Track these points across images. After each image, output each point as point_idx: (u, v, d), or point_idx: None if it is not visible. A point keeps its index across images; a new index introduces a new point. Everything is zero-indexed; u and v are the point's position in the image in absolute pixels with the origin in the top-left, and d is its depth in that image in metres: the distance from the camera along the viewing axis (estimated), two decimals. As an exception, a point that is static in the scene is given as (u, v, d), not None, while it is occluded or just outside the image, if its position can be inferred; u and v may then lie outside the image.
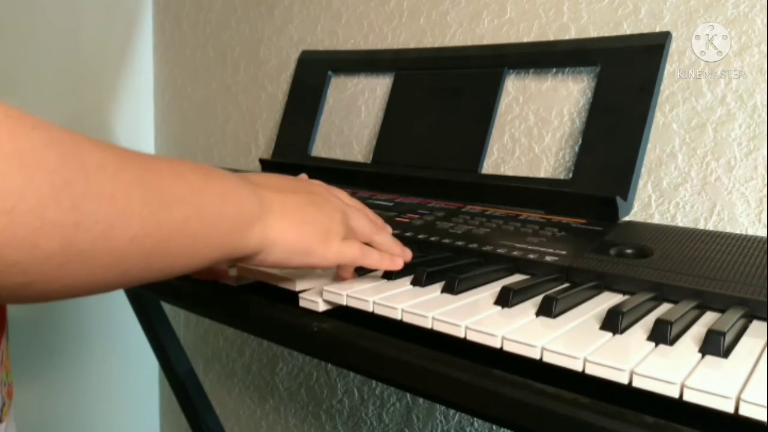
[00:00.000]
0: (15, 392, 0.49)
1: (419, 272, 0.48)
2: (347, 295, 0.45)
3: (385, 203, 0.73)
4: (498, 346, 0.38)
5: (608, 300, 0.46)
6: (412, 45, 0.91)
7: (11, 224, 0.26)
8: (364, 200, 0.75)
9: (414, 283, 0.48)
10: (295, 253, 0.43)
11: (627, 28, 0.72)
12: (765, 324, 0.41)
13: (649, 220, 0.70)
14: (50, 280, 0.29)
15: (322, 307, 0.46)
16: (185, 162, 0.38)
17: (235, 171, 1.11)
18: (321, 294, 0.46)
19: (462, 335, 0.39)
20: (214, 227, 0.37)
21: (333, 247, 0.44)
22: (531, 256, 0.53)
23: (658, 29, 0.69)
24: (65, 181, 0.28)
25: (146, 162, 0.34)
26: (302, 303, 0.47)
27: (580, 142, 0.68)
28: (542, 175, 0.76)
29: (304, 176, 0.55)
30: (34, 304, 0.30)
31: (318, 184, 0.50)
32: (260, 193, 0.42)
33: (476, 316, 0.41)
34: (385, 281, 0.48)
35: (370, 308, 0.44)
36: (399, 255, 0.50)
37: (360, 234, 0.48)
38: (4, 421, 0.45)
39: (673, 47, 0.67)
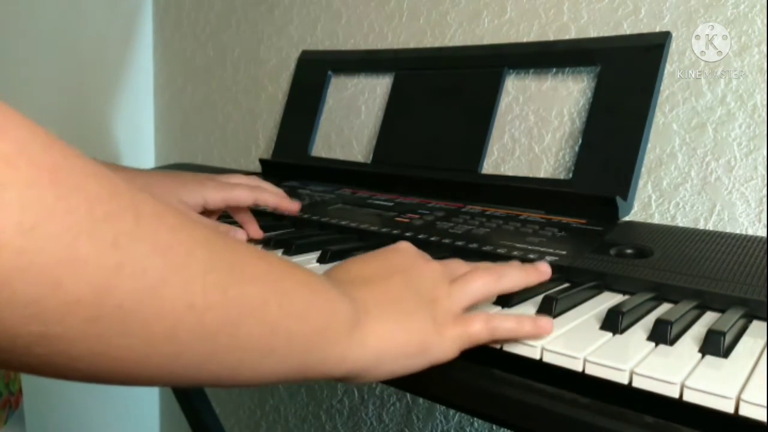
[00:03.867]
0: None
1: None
2: None
3: (385, 203, 0.73)
4: (498, 346, 0.38)
5: (608, 300, 0.46)
6: (412, 45, 0.91)
7: (30, 248, 0.20)
8: (364, 200, 0.75)
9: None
10: (408, 356, 0.34)
11: (627, 28, 0.72)
12: (765, 324, 0.41)
13: (649, 220, 0.70)
14: (75, 339, 0.22)
15: None
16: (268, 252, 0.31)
17: (235, 171, 1.11)
18: None
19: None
20: (299, 323, 0.29)
21: (449, 333, 0.36)
22: (531, 256, 0.53)
23: (658, 29, 0.69)
24: (107, 214, 0.22)
25: (216, 231, 0.28)
26: None
27: (580, 142, 0.68)
28: (542, 175, 0.76)
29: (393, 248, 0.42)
30: (51, 378, 0.24)
31: (404, 248, 0.41)
32: (353, 293, 0.34)
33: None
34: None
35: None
36: (541, 278, 0.43)
37: (478, 290, 0.39)
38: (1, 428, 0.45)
39: (673, 47, 0.67)
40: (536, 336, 0.37)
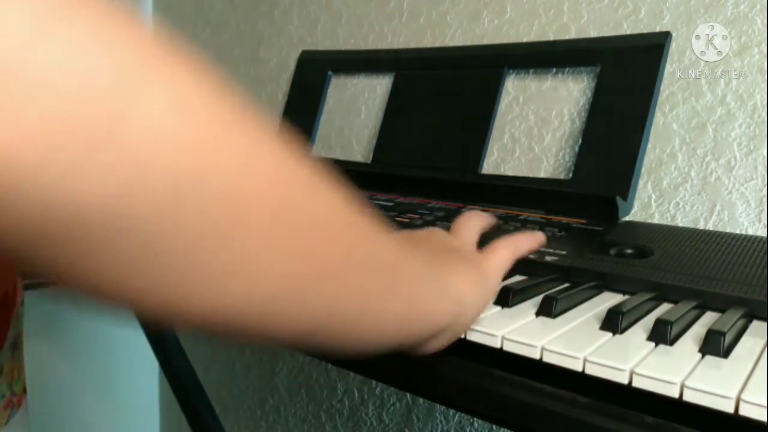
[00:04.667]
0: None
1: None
2: None
3: (385, 203, 0.73)
4: (498, 346, 0.38)
5: (608, 300, 0.46)
6: (412, 45, 0.91)
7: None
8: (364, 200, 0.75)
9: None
10: (481, 296, 0.38)
11: (627, 28, 0.72)
12: (765, 324, 0.41)
13: (649, 220, 0.70)
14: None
15: None
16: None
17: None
18: None
19: (462, 335, 0.39)
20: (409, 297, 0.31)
21: (492, 269, 0.41)
22: (531, 256, 0.53)
23: (658, 29, 0.69)
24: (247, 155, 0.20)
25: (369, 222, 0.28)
26: None
27: (580, 142, 0.68)
28: (542, 175, 0.76)
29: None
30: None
31: (437, 231, 0.46)
32: (438, 261, 0.37)
33: (476, 316, 0.41)
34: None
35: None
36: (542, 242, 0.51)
37: (506, 257, 0.44)
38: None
39: (673, 47, 0.67)
40: (541, 245, 0.50)
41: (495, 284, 0.41)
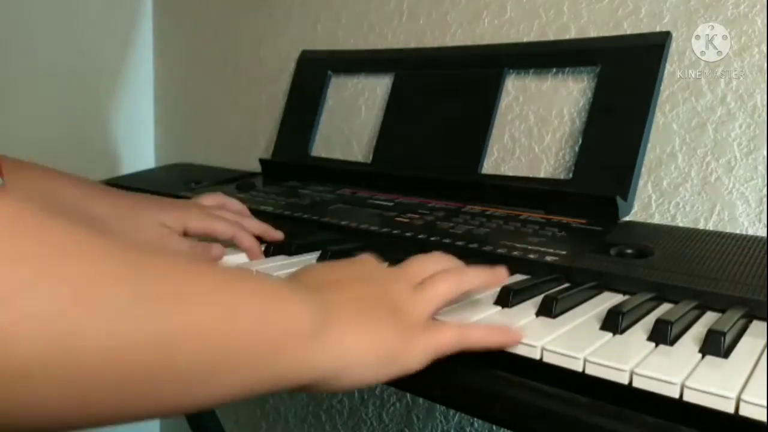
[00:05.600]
0: None
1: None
2: None
3: (385, 203, 0.73)
4: (498, 346, 0.38)
5: (608, 300, 0.46)
6: (412, 45, 0.91)
7: None
8: (364, 200, 0.75)
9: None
10: (373, 367, 0.33)
11: (627, 28, 0.72)
12: (765, 324, 0.41)
13: (649, 220, 0.70)
14: None
15: None
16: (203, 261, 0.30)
17: (235, 171, 1.10)
18: None
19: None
20: (251, 336, 0.27)
21: (417, 343, 0.34)
22: (531, 256, 0.53)
23: (658, 29, 0.69)
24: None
25: (144, 250, 0.26)
26: None
27: (580, 142, 0.68)
28: (542, 175, 0.76)
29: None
30: None
31: (366, 259, 0.41)
32: (318, 294, 0.32)
33: (477, 317, 0.41)
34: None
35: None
36: (501, 279, 0.42)
37: (442, 295, 0.38)
38: None
39: (673, 47, 0.67)
40: (507, 345, 0.36)
41: (410, 360, 0.34)
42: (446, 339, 0.35)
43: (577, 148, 0.69)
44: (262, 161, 0.96)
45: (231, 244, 0.60)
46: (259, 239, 0.61)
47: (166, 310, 0.25)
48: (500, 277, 0.42)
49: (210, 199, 0.66)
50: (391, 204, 0.72)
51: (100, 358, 0.22)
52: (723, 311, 0.42)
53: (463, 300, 0.43)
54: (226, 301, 0.27)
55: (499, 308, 0.43)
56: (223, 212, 0.63)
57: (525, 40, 0.80)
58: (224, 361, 0.27)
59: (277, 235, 0.63)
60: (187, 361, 0.25)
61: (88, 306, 0.22)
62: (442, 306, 0.39)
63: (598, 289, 0.48)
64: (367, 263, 0.40)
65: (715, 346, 0.35)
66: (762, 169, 0.64)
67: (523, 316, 0.41)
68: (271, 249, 0.60)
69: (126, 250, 0.25)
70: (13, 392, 0.20)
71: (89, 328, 0.22)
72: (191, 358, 0.25)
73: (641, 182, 0.70)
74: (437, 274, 0.39)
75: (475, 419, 0.90)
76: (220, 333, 0.26)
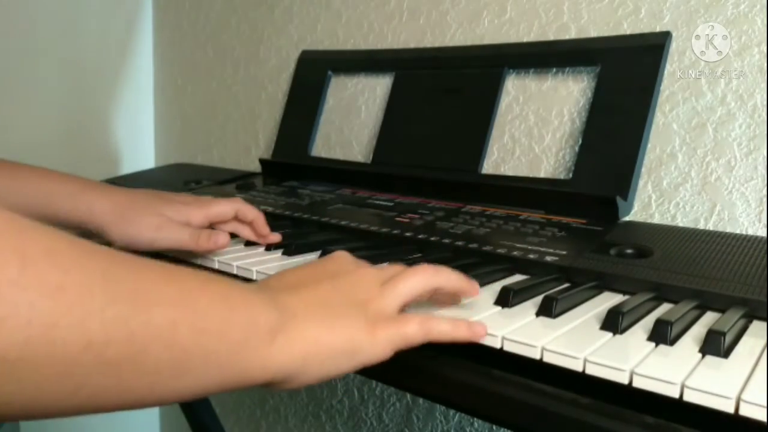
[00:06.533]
0: None
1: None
2: None
3: (385, 203, 0.73)
4: (498, 346, 0.38)
5: (608, 300, 0.46)
6: (412, 45, 0.91)
7: None
8: (364, 200, 0.75)
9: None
10: (336, 358, 0.34)
11: (627, 28, 0.72)
12: (765, 324, 0.41)
13: (649, 220, 0.70)
14: None
15: None
16: (183, 267, 0.31)
17: (235, 171, 1.10)
18: None
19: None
20: (215, 339, 0.29)
21: (381, 334, 0.35)
22: (531, 256, 0.53)
23: (658, 29, 0.69)
24: None
25: (118, 256, 0.28)
26: None
27: (580, 142, 0.68)
28: (542, 175, 0.76)
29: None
30: None
31: (338, 256, 0.42)
32: (278, 299, 0.34)
33: (476, 317, 0.41)
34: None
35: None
36: (473, 292, 0.42)
37: (410, 288, 0.39)
38: None
39: (673, 47, 0.67)
40: (470, 339, 0.37)
41: (373, 351, 0.35)
42: (411, 330, 0.36)
43: (577, 148, 0.69)
44: (262, 161, 0.96)
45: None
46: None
47: (136, 312, 0.26)
48: (474, 288, 0.42)
49: (225, 206, 0.62)
50: (391, 204, 0.72)
51: (75, 350, 0.24)
52: (723, 311, 0.42)
53: (452, 304, 0.43)
54: (194, 305, 0.29)
55: (499, 308, 0.43)
56: (218, 201, 0.62)
57: (525, 40, 0.80)
58: (191, 360, 0.28)
59: (274, 237, 0.62)
60: (156, 358, 0.27)
61: (66, 304, 0.24)
62: (411, 299, 0.39)
63: (598, 289, 0.48)
64: (339, 259, 0.41)
65: (715, 346, 0.35)
66: (762, 169, 0.64)
67: (523, 316, 0.41)
68: (272, 249, 0.60)
69: (105, 255, 0.27)
70: None
71: (66, 323, 0.24)
72: (159, 356, 0.27)
73: (641, 182, 0.70)
74: (408, 269, 0.40)
75: (475, 419, 0.90)
76: (187, 334, 0.28)
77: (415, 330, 0.36)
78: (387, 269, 0.41)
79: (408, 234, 0.61)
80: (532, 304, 0.43)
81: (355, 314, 0.36)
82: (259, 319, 0.32)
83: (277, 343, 0.32)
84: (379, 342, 0.35)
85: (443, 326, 0.37)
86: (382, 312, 0.37)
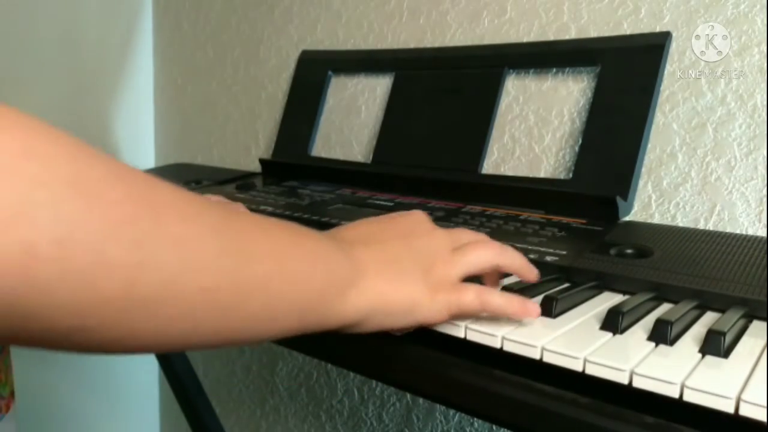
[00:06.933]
0: (16, 394, 0.49)
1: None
2: None
3: (385, 203, 0.73)
4: (498, 346, 0.38)
5: (608, 300, 0.46)
6: (412, 45, 0.91)
7: (65, 256, 0.23)
8: (364, 200, 0.75)
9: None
10: (396, 314, 0.37)
11: (627, 28, 0.72)
12: (765, 324, 0.41)
13: (649, 220, 0.70)
14: (109, 327, 0.25)
15: None
16: (275, 219, 0.34)
17: (235, 171, 1.10)
18: None
19: (462, 335, 0.39)
20: (300, 290, 0.33)
21: (440, 297, 0.38)
22: (531, 256, 0.53)
23: (658, 29, 0.69)
24: (128, 216, 0.25)
25: (226, 212, 0.31)
26: None
27: (580, 142, 0.68)
28: (542, 175, 0.76)
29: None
30: (91, 354, 0.28)
31: (415, 215, 0.43)
32: (353, 254, 0.37)
33: (476, 316, 0.41)
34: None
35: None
36: (531, 277, 0.43)
37: (478, 260, 0.41)
38: None
39: (673, 47, 0.67)
40: (522, 316, 0.39)
41: (430, 311, 0.38)
42: (468, 298, 0.38)
43: (577, 148, 0.69)
44: (262, 161, 0.96)
45: None
46: None
47: (244, 263, 0.30)
48: (533, 273, 0.44)
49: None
50: (391, 204, 0.72)
51: (192, 295, 0.28)
52: (723, 311, 0.42)
53: (496, 284, 0.45)
54: (285, 259, 0.33)
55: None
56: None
57: (525, 40, 0.80)
58: (280, 307, 0.32)
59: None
60: (255, 304, 0.31)
61: (187, 254, 0.27)
62: (475, 271, 0.41)
63: (598, 289, 0.48)
64: (414, 217, 0.43)
65: (715, 346, 0.35)
66: (762, 169, 0.64)
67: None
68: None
69: (213, 209, 0.30)
70: (133, 316, 0.26)
71: (187, 269, 0.27)
72: (258, 303, 0.31)
73: (641, 182, 0.70)
74: (479, 241, 0.42)
75: (475, 419, 0.90)
76: (280, 285, 0.32)
77: (472, 298, 0.38)
78: (458, 234, 0.43)
79: (408, 234, 0.61)
80: (532, 304, 0.43)
81: (421, 275, 0.38)
82: (336, 273, 0.35)
83: (350, 296, 0.35)
84: (436, 304, 0.38)
85: (498, 300, 0.39)
86: (446, 277, 0.39)
